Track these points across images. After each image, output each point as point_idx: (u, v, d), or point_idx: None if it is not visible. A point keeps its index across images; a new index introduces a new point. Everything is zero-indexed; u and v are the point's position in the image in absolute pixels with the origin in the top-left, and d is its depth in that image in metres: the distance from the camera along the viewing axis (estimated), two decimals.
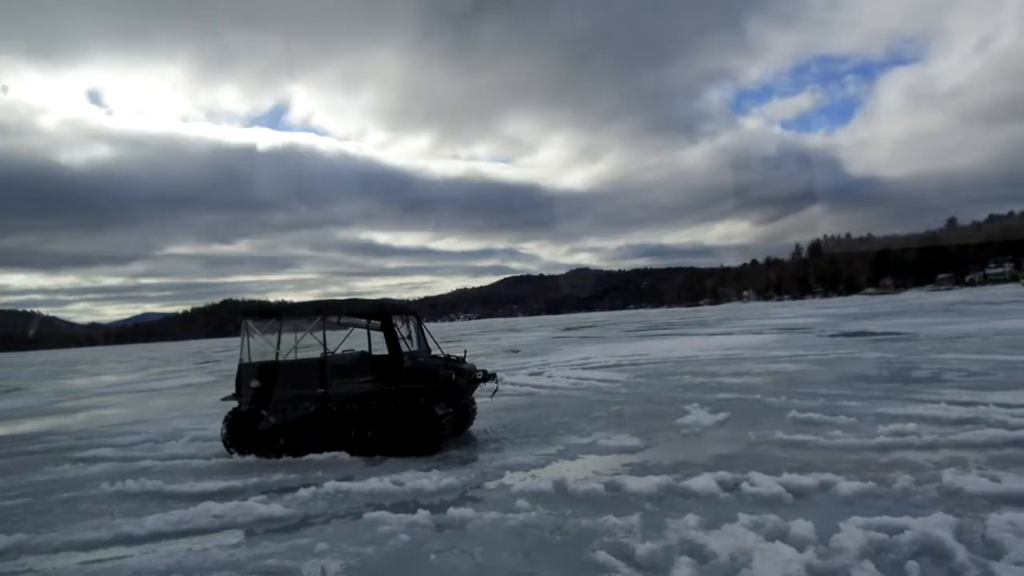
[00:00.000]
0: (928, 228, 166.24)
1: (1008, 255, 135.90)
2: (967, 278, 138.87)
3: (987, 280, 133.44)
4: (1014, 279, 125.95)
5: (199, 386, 24.28)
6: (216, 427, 10.21)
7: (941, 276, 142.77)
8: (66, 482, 8.62)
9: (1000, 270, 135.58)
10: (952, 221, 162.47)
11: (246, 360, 9.69)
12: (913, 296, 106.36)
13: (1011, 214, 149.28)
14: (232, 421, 9.63)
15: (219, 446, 9.79)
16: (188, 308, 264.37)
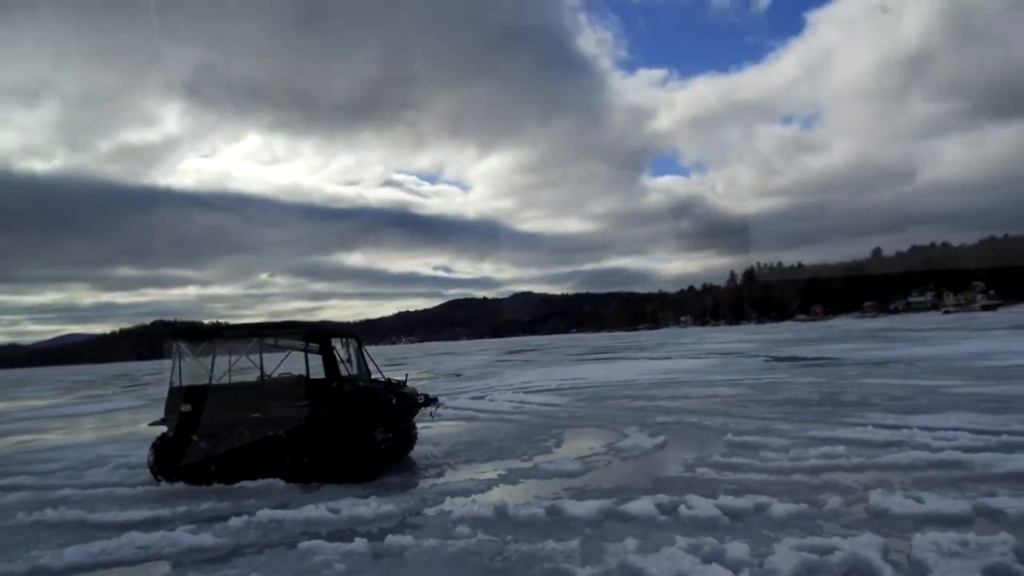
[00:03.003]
0: (854, 258, 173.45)
1: (930, 284, 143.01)
2: (891, 306, 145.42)
3: (910, 308, 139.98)
4: (935, 307, 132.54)
5: (126, 411, 23.27)
6: (143, 454, 9.81)
7: (867, 304, 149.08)
8: None
9: (922, 299, 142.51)
10: (877, 251, 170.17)
11: (177, 384, 9.35)
12: (841, 323, 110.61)
13: (932, 245, 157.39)
14: (160, 447, 9.27)
15: (146, 473, 9.39)
16: (116, 329, 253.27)
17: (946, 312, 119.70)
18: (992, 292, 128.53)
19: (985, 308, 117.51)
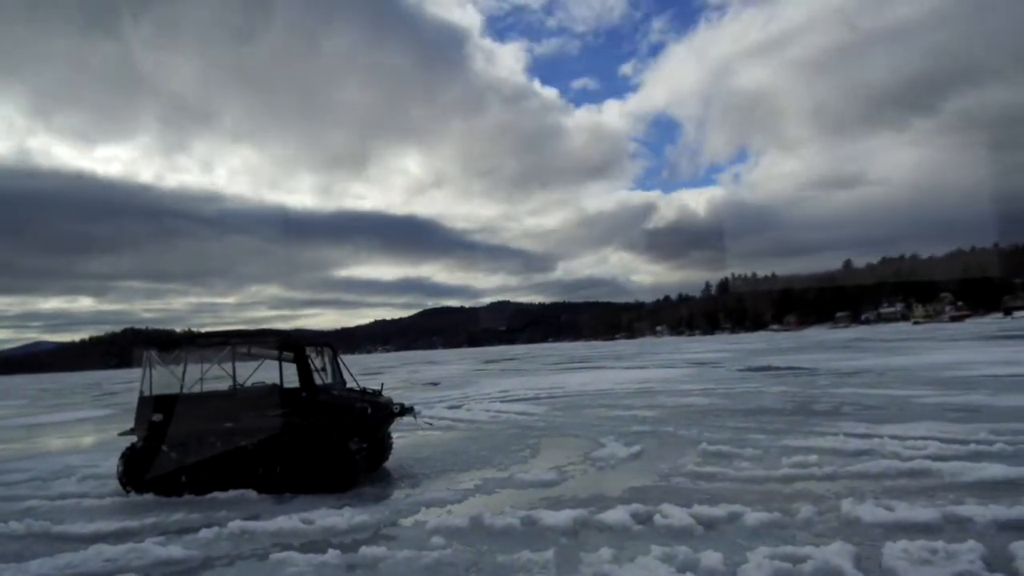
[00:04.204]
0: (827, 269, 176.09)
1: (899, 295, 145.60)
2: (863, 316, 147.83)
3: (880, 319, 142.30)
4: (905, 318, 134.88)
5: (95, 420, 22.84)
6: (112, 464, 9.63)
7: (839, 314, 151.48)
8: None
9: (892, 309, 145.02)
10: (848, 263, 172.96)
11: (147, 393, 9.21)
12: (814, 333, 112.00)
13: (901, 257, 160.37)
14: (129, 457, 9.10)
15: (114, 484, 9.23)
16: (86, 337, 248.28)
17: (915, 323, 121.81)
18: (960, 303, 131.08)
19: (953, 319, 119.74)
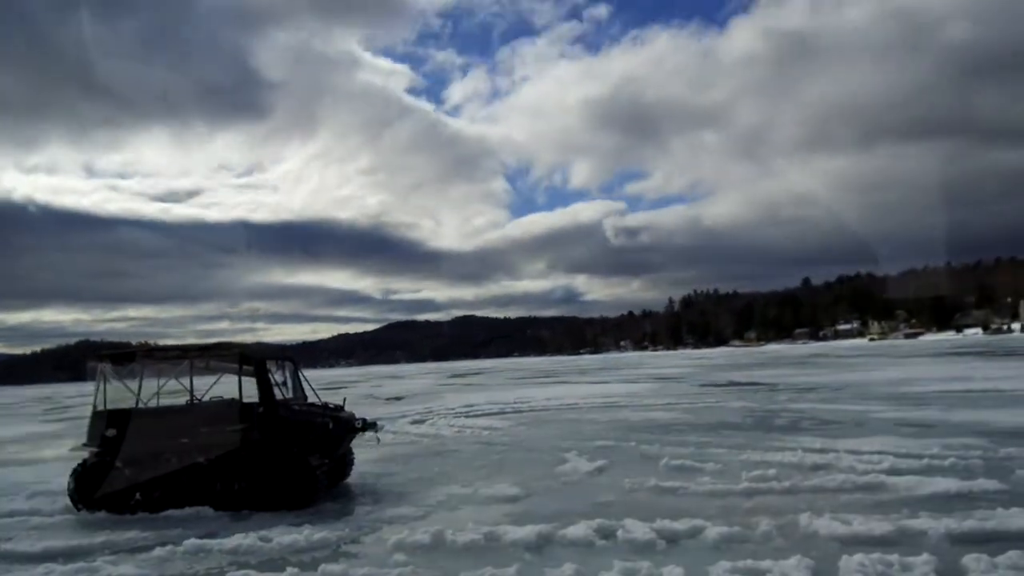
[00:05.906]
0: (786, 286, 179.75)
1: (856, 313, 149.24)
2: (820, 333, 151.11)
3: (838, 335, 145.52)
4: (861, 335, 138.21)
5: (44, 435, 22.10)
6: (62, 481, 9.32)
7: (798, 331, 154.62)
8: None
9: (849, 326, 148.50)
10: (807, 281, 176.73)
11: (101, 407, 8.95)
12: (773, 349, 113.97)
13: (858, 275, 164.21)
14: (81, 474, 8.82)
15: (65, 501, 8.93)
16: (37, 349, 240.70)
17: (871, 340, 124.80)
18: (914, 321, 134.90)
19: (908, 336, 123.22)
